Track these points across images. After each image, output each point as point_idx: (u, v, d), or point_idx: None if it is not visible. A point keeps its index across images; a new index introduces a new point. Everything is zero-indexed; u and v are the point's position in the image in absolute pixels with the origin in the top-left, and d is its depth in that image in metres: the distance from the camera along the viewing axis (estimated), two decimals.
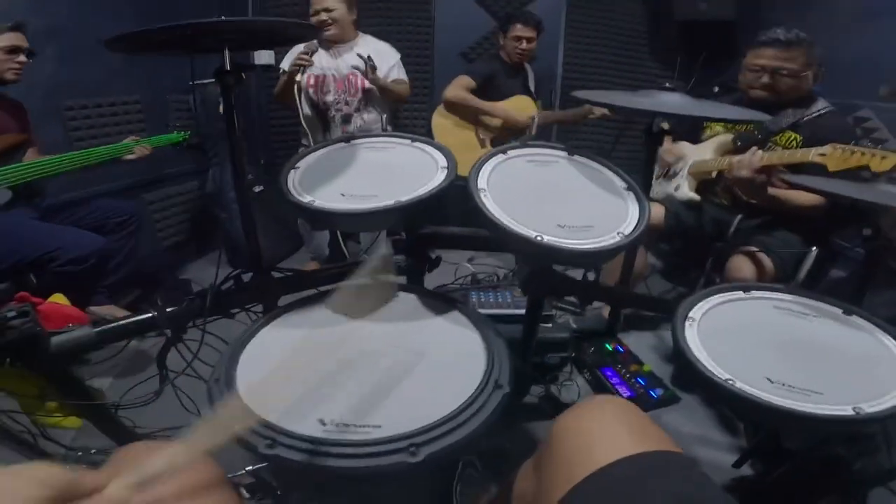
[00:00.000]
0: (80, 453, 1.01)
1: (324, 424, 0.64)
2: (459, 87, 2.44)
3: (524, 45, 2.46)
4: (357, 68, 2.17)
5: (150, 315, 0.89)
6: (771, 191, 1.47)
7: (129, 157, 1.80)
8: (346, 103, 2.22)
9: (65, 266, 1.53)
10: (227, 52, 0.88)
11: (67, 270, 1.54)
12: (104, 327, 0.85)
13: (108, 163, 1.75)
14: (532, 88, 2.62)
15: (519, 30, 2.45)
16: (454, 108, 2.49)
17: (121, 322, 0.88)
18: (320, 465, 0.60)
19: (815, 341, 0.82)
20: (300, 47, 2.11)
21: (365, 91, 2.21)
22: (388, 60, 2.24)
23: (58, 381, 0.88)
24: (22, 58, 1.61)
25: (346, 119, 2.24)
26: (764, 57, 1.56)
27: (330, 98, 2.20)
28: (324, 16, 2.09)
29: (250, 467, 1.01)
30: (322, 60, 2.17)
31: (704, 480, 0.52)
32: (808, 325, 0.86)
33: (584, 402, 0.63)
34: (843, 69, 2.05)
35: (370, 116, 2.27)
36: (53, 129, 1.98)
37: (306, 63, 2.08)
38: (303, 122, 2.21)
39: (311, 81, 2.18)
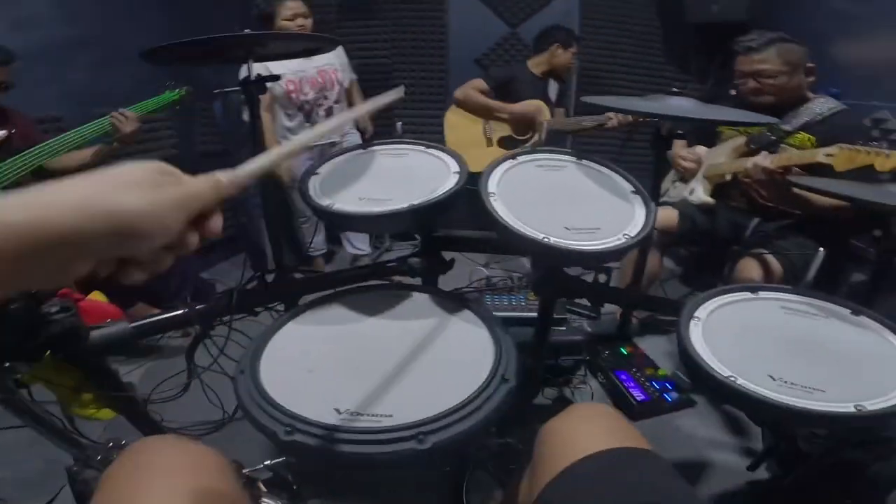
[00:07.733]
0: (111, 444, 1.06)
1: (339, 413, 0.68)
2: (470, 87, 2.56)
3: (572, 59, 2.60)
4: (327, 64, 2.37)
5: (181, 312, 0.95)
6: (795, 191, 1.45)
7: (119, 131, 1.74)
8: (325, 97, 2.40)
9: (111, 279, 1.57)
10: (251, 63, 0.93)
11: (114, 282, 1.57)
12: (139, 323, 0.91)
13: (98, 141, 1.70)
14: (553, 97, 2.65)
15: (574, 47, 2.59)
16: (464, 106, 2.63)
17: (154, 318, 0.94)
18: (334, 450, 0.64)
19: (822, 340, 0.82)
20: None
21: (339, 82, 2.42)
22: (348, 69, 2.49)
23: (95, 374, 0.92)
24: None
25: (329, 112, 2.42)
26: (742, 63, 1.61)
27: (311, 97, 2.35)
28: (300, 21, 2.26)
29: (268, 462, 1.05)
30: (292, 64, 2.25)
31: (671, 475, 0.54)
32: (815, 325, 0.86)
33: (568, 408, 0.66)
34: (862, 70, 2.03)
35: (344, 105, 2.49)
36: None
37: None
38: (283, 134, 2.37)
39: (290, 87, 2.30)
